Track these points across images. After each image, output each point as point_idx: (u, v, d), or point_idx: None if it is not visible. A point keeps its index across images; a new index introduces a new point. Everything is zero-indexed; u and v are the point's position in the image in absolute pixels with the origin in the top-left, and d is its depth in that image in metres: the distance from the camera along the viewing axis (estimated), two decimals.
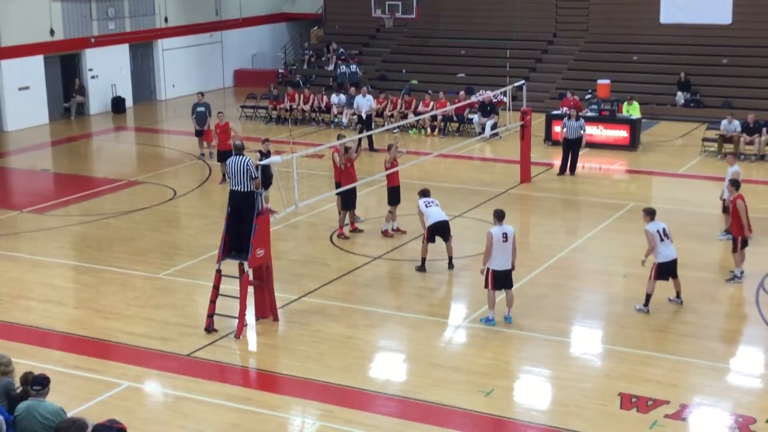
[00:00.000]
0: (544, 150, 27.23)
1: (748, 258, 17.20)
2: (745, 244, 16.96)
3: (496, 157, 27.25)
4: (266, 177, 18.55)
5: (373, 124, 28.97)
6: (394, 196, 19.73)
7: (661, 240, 15.62)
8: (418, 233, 19.93)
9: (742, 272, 16.94)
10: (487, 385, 13.19)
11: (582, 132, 24.93)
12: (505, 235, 14.99)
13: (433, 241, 17.72)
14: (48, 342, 15.00)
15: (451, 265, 17.76)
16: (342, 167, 19.47)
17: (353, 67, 35.68)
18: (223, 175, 23.21)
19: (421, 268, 17.75)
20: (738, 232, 16.91)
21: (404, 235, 19.72)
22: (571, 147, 24.82)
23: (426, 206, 17.75)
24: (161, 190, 23.84)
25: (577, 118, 25.09)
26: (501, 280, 15.11)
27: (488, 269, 15.06)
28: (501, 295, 15.40)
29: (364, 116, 28.71)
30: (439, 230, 17.67)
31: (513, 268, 15.24)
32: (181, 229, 21.23)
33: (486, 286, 15.18)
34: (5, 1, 31.26)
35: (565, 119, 25.06)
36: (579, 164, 25.11)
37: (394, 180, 19.75)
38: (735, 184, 17.54)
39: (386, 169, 19.68)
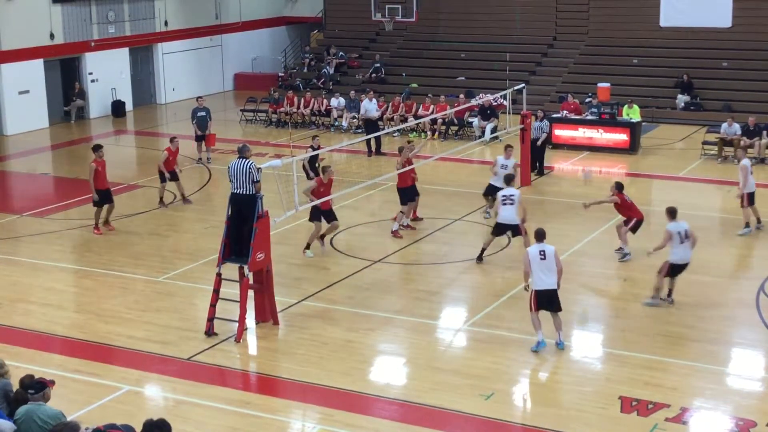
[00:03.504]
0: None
1: (748, 261, 17.19)
2: (636, 228, 18.20)
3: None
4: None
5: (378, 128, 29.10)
6: (404, 196, 19.78)
7: (681, 242, 15.59)
8: (417, 237, 19.96)
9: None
10: (488, 388, 13.17)
11: (542, 133, 25.04)
12: (542, 253, 14.12)
13: (499, 235, 17.88)
14: (48, 346, 14.99)
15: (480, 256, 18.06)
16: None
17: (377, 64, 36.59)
18: (161, 198, 22.67)
19: (479, 259, 17.98)
20: (632, 215, 18.23)
21: (404, 239, 19.70)
22: (534, 147, 24.80)
23: (502, 203, 17.75)
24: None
25: (541, 120, 25.22)
26: (544, 301, 14.19)
27: (531, 290, 14.29)
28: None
29: (357, 120, 28.95)
30: (506, 229, 17.84)
31: (558, 287, 14.34)
32: (181, 232, 21.22)
33: (530, 310, 14.32)
34: (5, 5, 31.29)
35: (532, 119, 25.01)
36: (579, 167, 25.11)
37: (404, 181, 19.78)
38: (618, 186, 18.47)
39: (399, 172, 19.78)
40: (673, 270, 15.79)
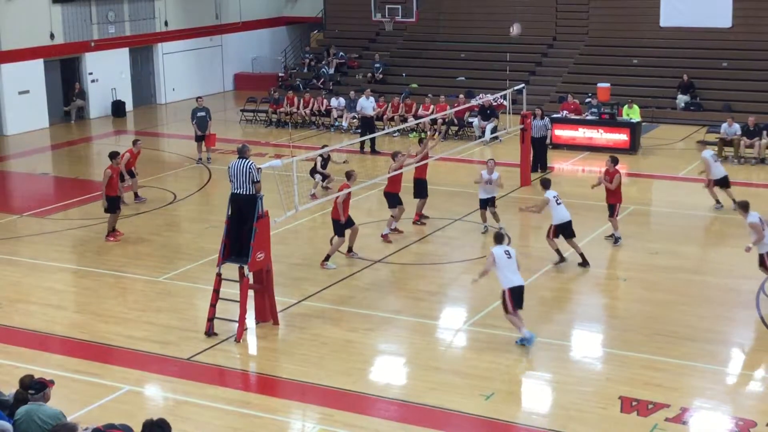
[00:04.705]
0: None
1: (748, 261, 17.16)
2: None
3: (496, 161, 27.13)
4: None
5: (375, 126, 29.27)
6: (393, 200, 19.80)
7: (764, 228, 15.84)
8: (417, 237, 19.97)
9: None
10: (488, 388, 13.17)
11: (546, 131, 25.73)
12: (507, 253, 14.54)
13: (558, 237, 17.95)
14: (48, 346, 14.99)
15: (586, 263, 17.91)
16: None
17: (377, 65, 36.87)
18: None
19: (562, 260, 17.98)
20: (617, 200, 19.13)
21: (404, 239, 19.71)
22: (536, 146, 24.97)
23: (557, 202, 17.91)
24: (161, 194, 23.85)
25: (542, 117, 25.63)
26: (518, 298, 14.43)
27: (503, 291, 14.44)
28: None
29: (357, 120, 29.22)
30: (566, 228, 17.92)
31: None
32: (181, 232, 21.24)
33: (506, 311, 14.42)
34: (5, 5, 31.30)
35: (532, 118, 25.09)
36: (579, 167, 25.15)
37: (393, 186, 19.78)
38: (614, 160, 19.48)
39: (389, 177, 19.75)
40: (762, 259, 16.05)
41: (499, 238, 14.94)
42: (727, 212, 21.10)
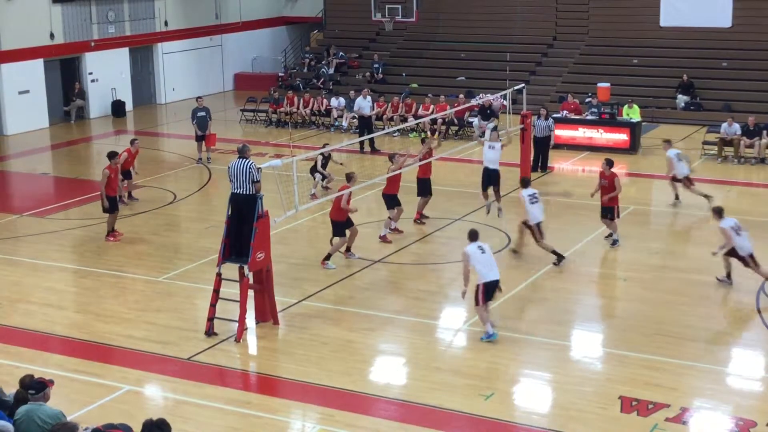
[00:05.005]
0: None
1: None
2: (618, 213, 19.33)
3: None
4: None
5: (373, 125, 29.29)
6: (391, 202, 19.79)
7: (738, 234, 16.29)
8: (417, 237, 19.96)
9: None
10: (487, 388, 13.18)
11: (550, 131, 25.78)
12: (481, 248, 14.68)
13: (544, 237, 18.07)
14: (48, 346, 14.99)
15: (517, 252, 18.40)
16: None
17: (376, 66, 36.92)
18: (129, 193, 23.12)
19: (561, 258, 17.98)
20: (614, 202, 19.09)
21: (404, 239, 19.70)
22: (539, 145, 25.10)
23: (531, 202, 17.94)
24: (161, 194, 23.85)
25: (546, 118, 25.82)
26: (491, 292, 14.62)
27: (477, 285, 14.56)
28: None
29: (356, 119, 29.32)
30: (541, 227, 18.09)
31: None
32: (181, 232, 21.24)
33: (477, 304, 14.61)
34: (5, 5, 31.30)
35: (535, 118, 25.18)
36: (579, 167, 25.15)
37: (391, 188, 19.77)
38: (609, 163, 19.50)
39: (388, 178, 19.74)
40: (743, 261, 16.47)
41: (472, 236, 14.94)
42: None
